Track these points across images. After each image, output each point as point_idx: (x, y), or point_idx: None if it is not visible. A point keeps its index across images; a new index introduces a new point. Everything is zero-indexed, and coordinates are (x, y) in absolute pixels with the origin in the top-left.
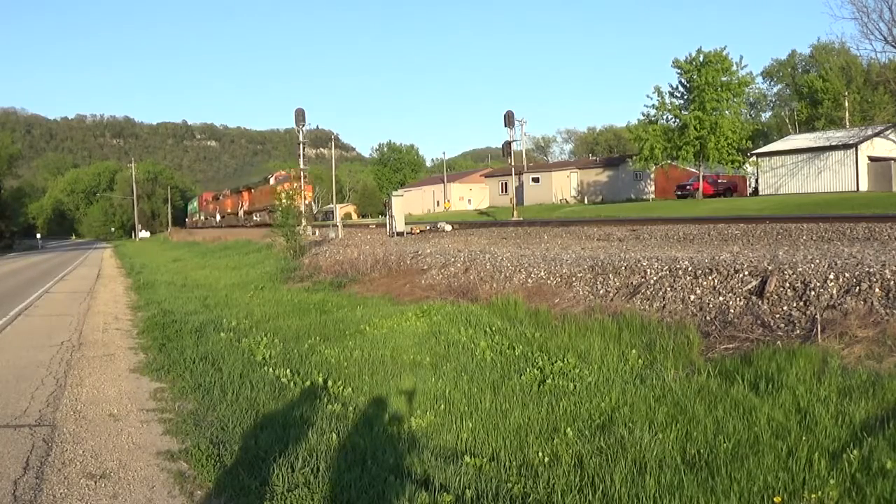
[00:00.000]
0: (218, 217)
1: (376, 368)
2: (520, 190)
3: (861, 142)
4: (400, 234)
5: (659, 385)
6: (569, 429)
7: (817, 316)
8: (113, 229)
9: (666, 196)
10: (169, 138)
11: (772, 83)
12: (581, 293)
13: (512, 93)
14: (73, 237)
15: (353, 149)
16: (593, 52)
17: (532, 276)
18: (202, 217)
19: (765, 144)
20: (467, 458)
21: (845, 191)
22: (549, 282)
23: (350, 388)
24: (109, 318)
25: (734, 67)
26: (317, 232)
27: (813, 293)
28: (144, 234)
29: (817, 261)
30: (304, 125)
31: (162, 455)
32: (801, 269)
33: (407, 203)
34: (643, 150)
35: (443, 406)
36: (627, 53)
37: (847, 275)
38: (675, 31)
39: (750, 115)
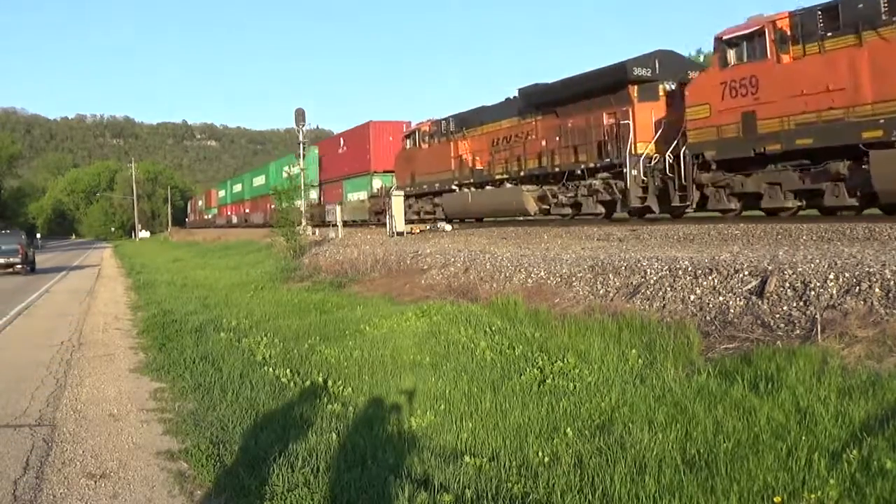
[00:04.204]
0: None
1: (376, 368)
2: None
3: None
4: (400, 234)
5: (659, 385)
6: (569, 429)
7: (817, 316)
8: (113, 229)
9: None
10: (169, 138)
11: None
12: (581, 293)
13: (511, 91)
14: (73, 237)
15: None
16: (599, 49)
17: (532, 276)
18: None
19: None
20: (467, 458)
21: None
22: (549, 282)
23: (350, 388)
24: (109, 318)
25: None
26: (317, 232)
27: (813, 293)
28: (144, 234)
29: (817, 261)
30: (304, 125)
31: (162, 455)
32: (801, 269)
33: None
34: None
35: (443, 406)
36: (629, 52)
37: (847, 275)
38: (677, 29)
39: None
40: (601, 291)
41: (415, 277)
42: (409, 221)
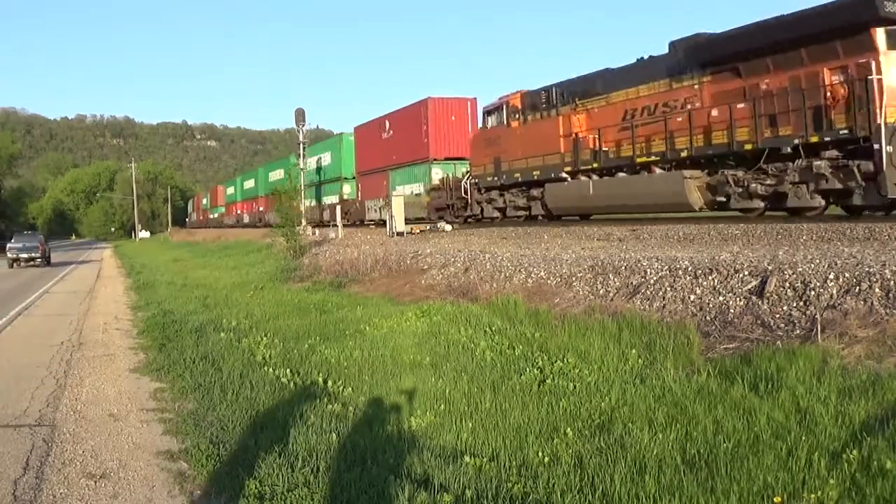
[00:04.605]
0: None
1: (376, 368)
2: None
3: None
4: (400, 234)
5: (659, 385)
6: (569, 429)
7: (817, 316)
8: (113, 229)
9: None
10: (169, 138)
11: None
12: (581, 293)
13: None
14: (73, 237)
15: None
16: (608, 46)
17: (532, 276)
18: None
19: None
20: (467, 458)
21: None
22: (549, 282)
23: (350, 388)
24: (109, 318)
25: None
26: (317, 232)
27: (813, 293)
28: (144, 234)
29: (817, 261)
30: (304, 125)
31: (162, 455)
32: (801, 269)
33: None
34: None
35: (443, 406)
36: (628, 49)
37: (847, 275)
38: (673, 24)
39: None
40: (601, 291)
41: (415, 277)
42: (489, 218)
